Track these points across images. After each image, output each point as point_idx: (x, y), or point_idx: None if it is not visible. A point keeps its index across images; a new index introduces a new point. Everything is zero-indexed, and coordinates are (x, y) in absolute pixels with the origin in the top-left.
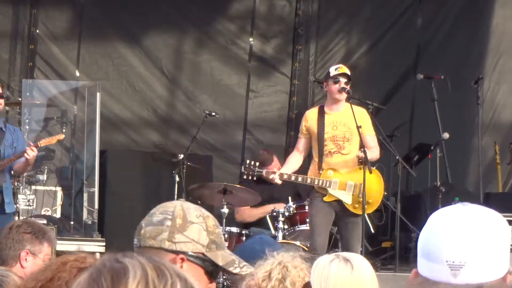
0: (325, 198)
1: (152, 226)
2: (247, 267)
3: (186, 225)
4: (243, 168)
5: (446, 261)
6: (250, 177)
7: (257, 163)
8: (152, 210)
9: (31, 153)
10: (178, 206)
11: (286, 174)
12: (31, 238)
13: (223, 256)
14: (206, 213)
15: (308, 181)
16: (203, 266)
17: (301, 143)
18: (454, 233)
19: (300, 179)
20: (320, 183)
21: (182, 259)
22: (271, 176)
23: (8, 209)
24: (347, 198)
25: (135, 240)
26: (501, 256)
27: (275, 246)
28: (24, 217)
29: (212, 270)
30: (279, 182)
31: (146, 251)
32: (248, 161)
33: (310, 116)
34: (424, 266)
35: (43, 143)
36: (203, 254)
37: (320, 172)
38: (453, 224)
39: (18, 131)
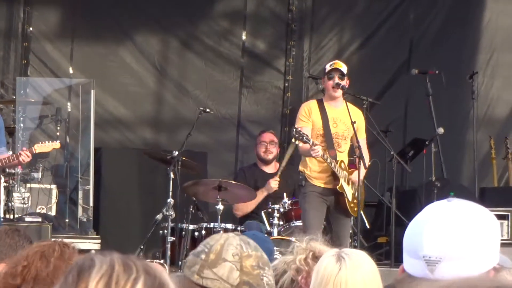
0: (338, 187)
1: (192, 256)
2: None
3: (218, 262)
4: (294, 130)
5: (423, 257)
6: (297, 141)
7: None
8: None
9: (26, 159)
10: (221, 241)
11: (322, 152)
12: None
13: None
14: (250, 252)
15: (332, 165)
16: None
17: (307, 131)
18: (432, 229)
19: (328, 160)
20: (339, 172)
21: None
22: (314, 147)
23: None
24: (349, 194)
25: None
26: (483, 252)
27: (268, 242)
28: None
29: None
30: (319, 154)
31: (185, 279)
32: (298, 127)
33: (311, 108)
34: (406, 262)
35: (38, 149)
36: None
37: (336, 162)
38: (432, 220)
39: (0, 120)
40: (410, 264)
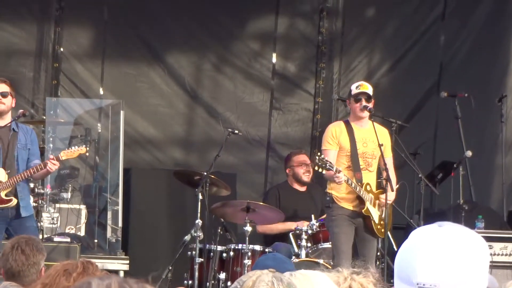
0: (364, 211)
1: None
2: None
3: None
4: (317, 159)
5: (417, 284)
6: (320, 169)
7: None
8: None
9: (53, 167)
10: (253, 277)
11: (346, 177)
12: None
13: None
14: (283, 284)
15: (357, 189)
16: None
17: (332, 154)
18: (425, 256)
19: (353, 185)
20: (364, 196)
21: None
22: (338, 174)
23: (24, 213)
24: (376, 216)
25: None
26: (476, 277)
27: (288, 263)
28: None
29: None
30: (343, 180)
31: None
32: (319, 154)
33: (338, 130)
34: (398, 287)
35: (64, 155)
36: None
37: (360, 185)
38: (424, 246)
39: (33, 133)
40: None
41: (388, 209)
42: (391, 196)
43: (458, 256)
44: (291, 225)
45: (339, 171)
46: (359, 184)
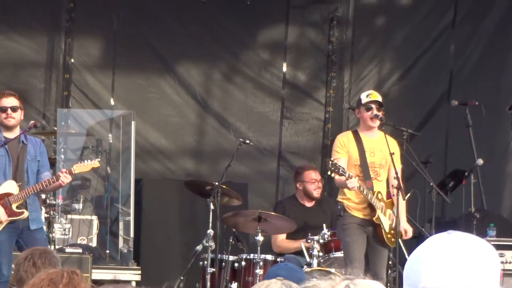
0: (375, 219)
1: None
2: None
3: None
4: (330, 163)
5: None
6: (332, 174)
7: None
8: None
9: (66, 180)
10: (262, 287)
11: (359, 183)
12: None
13: None
14: None
15: (369, 196)
16: None
17: (343, 162)
18: (432, 262)
19: (365, 192)
20: (375, 203)
21: None
22: (351, 180)
23: (33, 226)
24: (386, 225)
25: None
26: (484, 285)
27: (300, 272)
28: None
29: None
30: (356, 186)
31: None
32: (333, 159)
33: (346, 140)
34: None
35: (77, 169)
36: None
37: (373, 192)
38: (432, 253)
39: (42, 145)
40: None
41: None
42: (402, 208)
43: (464, 261)
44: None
45: (351, 176)
46: (371, 192)
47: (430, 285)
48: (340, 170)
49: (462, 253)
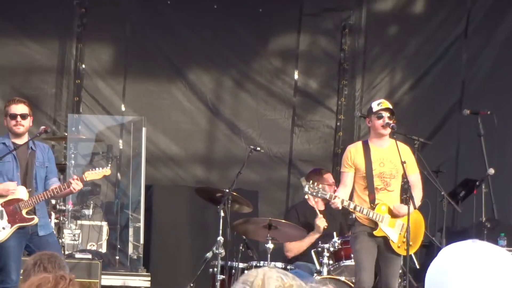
0: (375, 232)
1: None
2: None
3: None
4: (306, 187)
5: None
6: (311, 197)
7: (320, 185)
8: (240, 277)
9: (77, 187)
10: (260, 276)
11: (347, 201)
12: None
13: None
14: (292, 281)
15: (364, 211)
16: None
17: (349, 177)
18: (461, 273)
19: (358, 208)
20: (374, 217)
21: None
22: (333, 200)
23: (41, 232)
24: (394, 236)
25: None
26: None
27: (311, 280)
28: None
29: None
30: (340, 206)
31: None
32: (311, 181)
33: (355, 151)
34: None
35: (89, 176)
36: None
37: (373, 206)
38: (459, 263)
39: (50, 151)
40: None
41: (419, 228)
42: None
43: (491, 274)
44: (313, 236)
45: (335, 197)
46: (372, 205)
47: None
48: (319, 193)
49: (490, 264)
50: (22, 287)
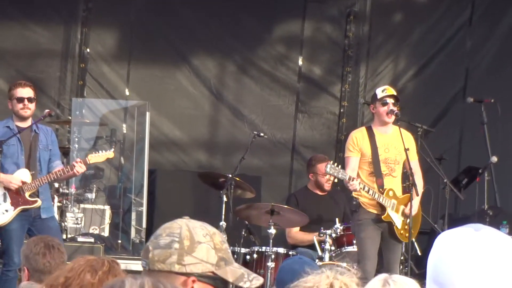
0: (384, 217)
1: (160, 249)
2: (256, 279)
3: (194, 246)
4: (328, 167)
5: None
6: (333, 177)
7: (340, 165)
8: (157, 231)
9: (80, 170)
10: (184, 227)
11: (362, 184)
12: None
13: (232, 272)
14: (213, 229)
15: (376, 196)
16: (214, 285)
17: (354, 161)
18: (467, 262)
19: (370, 192)
20: (384, 202)
21: (194, 281)
22: (352, 182)
23: (44, 215)
24: (398, 222)
25: (143, 263)
26: None
27: (315, 267)
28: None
29: (222, 287)
30: (357, 188)
31: (155, 275)
32: (332, 162)
33: (361, 136)
34: None
35: (92, 159)
36: (213, 272)
37: (382, 191)
38: (465, 252)
39: (53, 133)
40: None
41: (418, 214)
42: (416, 203)
43: (496, 261)
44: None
45: (353, 179)
46: (381, 190)
47: (462, 285)
48: (339, 174)
49: (495, 254)
50: (71, 267)
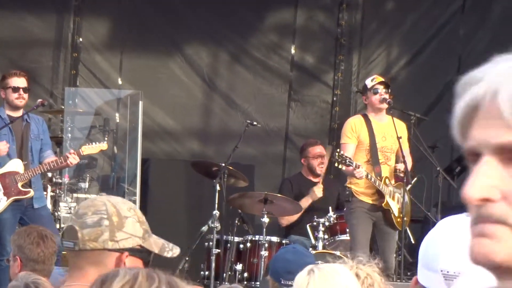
0: (384, 204)
1: (89, 228)
2: (175, 248)
3: (123, 221)
4: (336, 155)
5: (441, 270)
6: (339, 165)
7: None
8: (79, 211)
9: (74, 161)
10: (108, 203)
11: (366, 172)
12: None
13: (155, 243)
14: (132, 203)
15: (377, 183)
16: (141, 257)
17: (351, 148)
18: (450, 242)
19: (373, 180)
20: (384, 190)
21: (127, 256)
22: (358, 169)
23: (36, 204)
24: (395, 209)
25: (69, 244)
26: None
27: (308, 255)
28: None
29: (149, 259)
30: (364, 176)
31: (87, 254)
32: (339, 150)
33: (359, 124)
34: (422, 275)
35: (85, 150)
36: (140, 245)
37: (380, 178)
38: (450, 233)
39: (44, 123)
40: (426, 277)
41: (408, 201)
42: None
43: None
44: (305, 201)
45: (359, 166)
46: (379, 178)
47: (449, 268)
48: (347, 161)
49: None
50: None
